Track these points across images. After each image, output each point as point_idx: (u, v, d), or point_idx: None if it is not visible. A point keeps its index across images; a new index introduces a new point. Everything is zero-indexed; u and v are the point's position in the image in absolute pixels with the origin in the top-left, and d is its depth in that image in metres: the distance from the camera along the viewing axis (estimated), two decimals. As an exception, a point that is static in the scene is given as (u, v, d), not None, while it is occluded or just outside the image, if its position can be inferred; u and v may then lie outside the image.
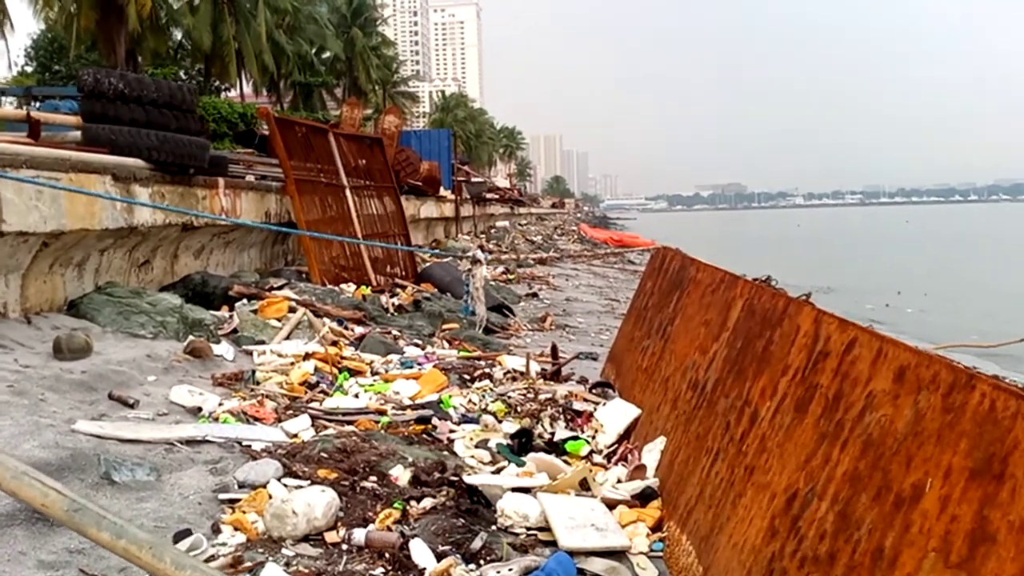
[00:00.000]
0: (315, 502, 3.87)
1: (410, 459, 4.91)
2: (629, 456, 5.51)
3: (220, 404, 5.79)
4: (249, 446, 4.91)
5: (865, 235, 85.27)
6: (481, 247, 23.46)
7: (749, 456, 3.69)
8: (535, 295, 16.36)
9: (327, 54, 58.01)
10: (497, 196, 46.16)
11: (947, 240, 68.65)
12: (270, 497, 4.07)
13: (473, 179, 39.64)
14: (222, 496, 4.15)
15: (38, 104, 18.43)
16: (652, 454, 5.19)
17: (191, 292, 8.71)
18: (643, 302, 8.08)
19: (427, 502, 4.36)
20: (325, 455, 4.75)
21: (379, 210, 14.63)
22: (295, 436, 5.40)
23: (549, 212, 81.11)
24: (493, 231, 34.83)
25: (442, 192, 26.24)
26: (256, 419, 5.64)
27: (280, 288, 9.59)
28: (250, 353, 7.31)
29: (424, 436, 5.72)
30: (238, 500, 4.10)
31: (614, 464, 5.50)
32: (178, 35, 41.89)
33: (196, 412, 5.57)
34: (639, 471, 4.92)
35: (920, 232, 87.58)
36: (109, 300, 7.20)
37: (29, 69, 41.10)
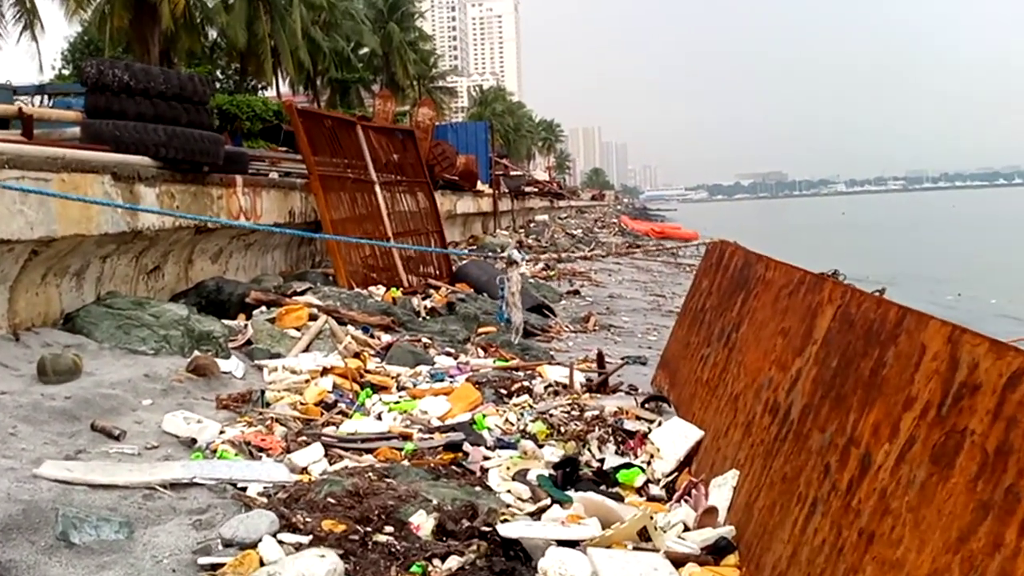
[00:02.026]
0: (311, 572, 3.12)
1: (435, 501, 4.12)
2: (693, 491, 4.65)
3: (221, 432, 5.08)
4: (244, 489, 4.17)
5: (912, 221, 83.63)
6: (520, 243, 22.71)
7: (864, 517, 2.84)
8: (577, 292, 15.58)
9: (364, 50, 57.63)
10: (536, 190, 45.31)
11: (998, 224, 67.01)
12: (261, 564, 3.32)
13: (512, 173, 38.91)
14: (202, 560, 3.38)
15: (51, 102, 17.92)
16: (722, 491, 4.34)
17: (204, 300, 8.03)
18: (699, 303, 7.22)
19: (452, 562, 3.57)
20: (333, 500, 3.99)
21: (411, 206, 13.90)
22: (303, 471, 4.67)
23: (589, 205, 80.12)
24: (532, 225, 34.02)
25: (479, 186, 25.50)
26: (261, 450, 4.91)
27: (302, 293, 8.88)
28: (262, 369, 6.61)
29: (453, 467, 4.95)
30: (221, 565, 3.35)
31: (676, 501, 4.67)
32: (213, 33, 41.67)
33: (191, 444, 4.85)
34: (709, 516, 4.08)
35: (968, 216, 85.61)
36: (108, 312, 6.50)
37: (66, 72, 41.00)
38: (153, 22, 32.76)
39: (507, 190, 31.26)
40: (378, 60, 60.84)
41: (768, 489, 3.82)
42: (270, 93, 43.43)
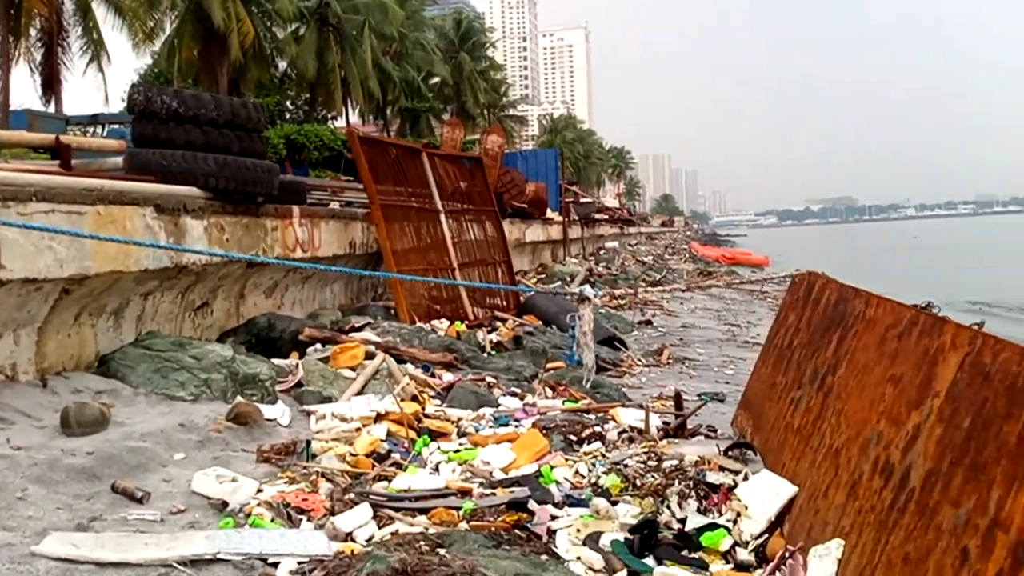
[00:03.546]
0: None
1: (494, 579, 3.57)
2: (789, 561, 4.03)
3: (258, 491, 4.60)
4: (276, 565, 3.66)
5: (987, 244, 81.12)
6: (590, 270, 22.11)
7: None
8: (649, 323, 14.96)
9: (435, 79, 57.81)
10: (606, 216, 44.70)
11: None
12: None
13: (581, 200, 38.42)
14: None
15: (105, 131, 17.89)
16: (824, 563, 3.70)
17: (255, 338, 7.64)
18: (785, 339, 6.55)
19: (511, 661, 3.01)
20: (375, 581, 3.45)
21: (478, 235, 13.43)
22: (348, 537, 4.16)
23: (658, 231, 79.17)
24: (602, 252, 33.42)
25: (549, 214, 25.03)
26: (302, 512, 4.42)
27: (360, 329, 8.44)
28: (310, 415, 6.12)
29: (517, 532, 4.38)
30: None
31: (769, 572, 4.04)
32: (283, 64, 42.05)
33: (223, 507, 4.37)
34: (812, 597, 3.44)
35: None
36: (146, 354, 6.09)
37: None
38: (222, 53, 33.01)
39: (577, 217, 30.74)
40: (449, 89, 61.05)
41: (886, 570, 3.20)
42: (340, 123, 43.74)
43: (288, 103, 43.83)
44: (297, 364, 7.12)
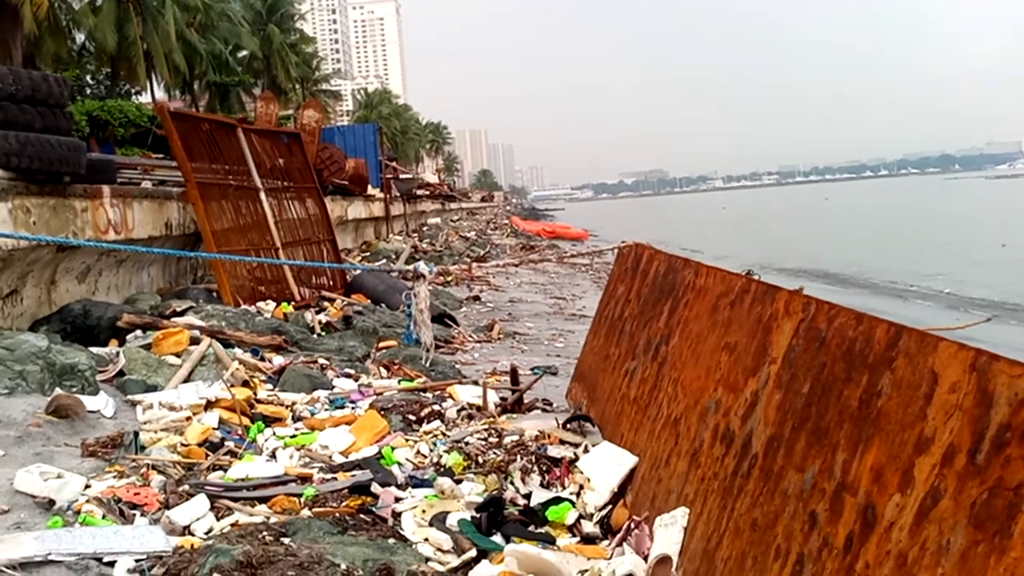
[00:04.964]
0: None
1: (343, 566, 3.47)
2: (636, 531, 4.12)
3: (86, 487, 4.31)
4: (112, 564, 3.44)
5: (793, 212, 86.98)
6: (415, 247, 22.03)
7: (874, 589, 2.35)
8: (477, 298, 15.05)
9: (243, 52, 55.51)
10: (427, 192, 44.63)
11: (877, 212, 70.78)
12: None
13: (402, 176, 38.17)
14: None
15: None
16: (671, 532, 3.77)
17: (70, 326, 7.15)
18: (616, 310, 6.70)
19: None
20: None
21: (300, 214, 13.08)
22: (185, 531, 3.96)
23: (479, 206, 80.00)
24: (426, 229, 33.37)
25: (370, 191, 24.71)
26: (135, 506, 4.17)
27: (182, 313, 8.04)
28: (136, 405, 5.79)
29: (362, 516, 4.31)
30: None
31: (618, 544, 4.13)
32: (81, 37, 39.25)
33: (49, 505, 4.07)
34: (663, 567, 3.55)
35: (848, 207, 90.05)
36: (-51, 348, 5.58)
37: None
38: (15, 25, 30.43)
39: (398, 194, 30.52)
40: (258, 63, 58.86)
41: (734, 536, 3.25)
42: (145, 98, 41.34)
43: (88, 78, 41.02)
44: (117, 352, 6.71)
